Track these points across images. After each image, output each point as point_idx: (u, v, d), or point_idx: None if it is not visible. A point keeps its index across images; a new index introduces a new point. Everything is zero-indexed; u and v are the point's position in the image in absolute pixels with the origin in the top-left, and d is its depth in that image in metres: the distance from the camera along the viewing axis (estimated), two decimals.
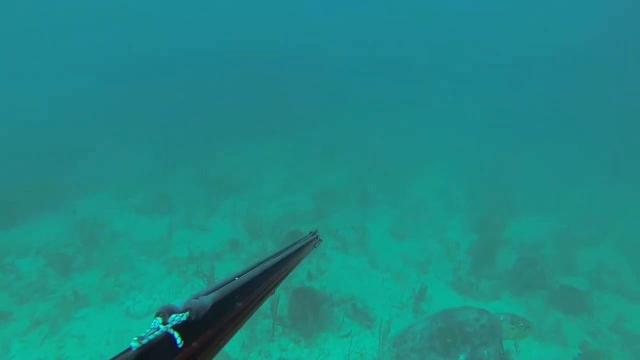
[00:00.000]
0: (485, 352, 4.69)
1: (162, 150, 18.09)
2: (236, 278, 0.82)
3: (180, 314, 0.60)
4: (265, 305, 5.57)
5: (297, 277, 8.46)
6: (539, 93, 35.96)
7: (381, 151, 19.22)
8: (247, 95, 29.01)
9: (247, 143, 20.11)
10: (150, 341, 0.53)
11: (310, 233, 1.56)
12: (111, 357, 0.49)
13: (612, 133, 25.54)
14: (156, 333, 0.55)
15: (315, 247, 1.51)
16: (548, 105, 32.91)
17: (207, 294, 0.70)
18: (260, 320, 6.94)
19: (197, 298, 0.66)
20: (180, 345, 0.57)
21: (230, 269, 8.80)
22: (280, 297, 7.06)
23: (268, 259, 1.03)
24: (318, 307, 6.99)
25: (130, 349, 0.51)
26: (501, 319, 5.09)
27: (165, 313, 0.60)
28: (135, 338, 0.52)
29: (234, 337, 0.76)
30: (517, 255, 9.01)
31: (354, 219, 11.86)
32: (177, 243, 10.25)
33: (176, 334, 0.57)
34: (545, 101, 34.03)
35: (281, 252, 1.13)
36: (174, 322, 0.58)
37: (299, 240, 1.34)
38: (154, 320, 0.58)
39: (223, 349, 0.72)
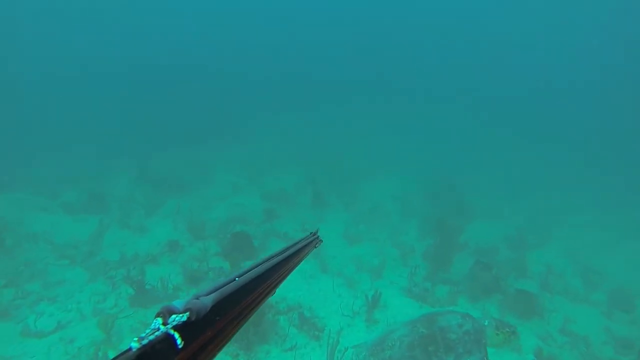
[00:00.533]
0: None
1: (106, 150, 16.71)
2: (236, 279, 0.80)
3: (181, 315, 0.60)
4: None
5: None
6: (491, 100, 37.59)
7: (337, 153, 18.99)
8: (199, 101, 28.06)
9: (197, 145, 19.12)
10: (150, 341, 0.53)
11: (310, 233, 1.52)
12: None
13: (558, 142, 27.08)
14: (156, 333, 0.55)
15: (315, 247, 1.47)
16: (500, 112, 34.44)
17: (207, 294, 0.68)
18: None
19: (197, 298, 0.65)
20: (180, 346, 0.56)
21: (166, 272, 7.84)
22: None
23: (268, 259, 1.00)
24: (260, 316, 6.22)
25: (130, 349, 0.51)
26: (485, 324, 4.72)
27: (166, 313, 0.59)
28: (135, 338, 0.51)
29: None
30: (473, 260, 8.78)
31: (306, 221, 11.24)
32: (108, 245, 9.08)
33: (176, 335, 0.57)
34: (497, 108, 35.63)
35: (281, 252, 1.10)
36: (174, 323, 0.58)
37: (299, 241, 1.31)
38: (155, 321, 0.58)
39: (222, 350, 0.69)
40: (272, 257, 1.04)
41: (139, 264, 8.12)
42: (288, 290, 7.67)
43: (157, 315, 0.59)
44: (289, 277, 1.05)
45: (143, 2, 42.97)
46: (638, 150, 26.69)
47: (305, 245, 1.33)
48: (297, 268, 1.19)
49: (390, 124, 27.44)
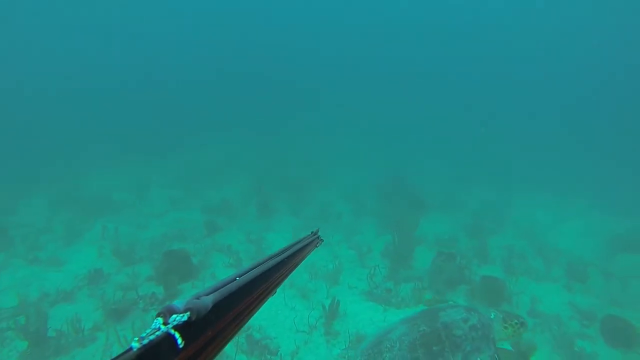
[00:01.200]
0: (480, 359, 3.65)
1: (15, 173, 14.55)
2: (237, 278, 0.80)
3: (181, 314, 0.59)
4: None
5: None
6: (442, 97, 38.67)
7: (283, 159, 18.16)
8: (129, 111, 26.03)
9: (128, 158, 17.36)
10: (151, 341, 0.53)
11: (311, 233, 1.49)
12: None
13: (505, 134, 28.17)
14: (157, 333, 0.55)
15: (317, 246, 1.43)
16: (446, 109, 35.46)
17: (208, 294, 0.68)
18: None
19: (198, 298, 0.65)
20: (181, 346, 0.56)
21: (82, 310, 6.44)
22: None
23: (269, 259, 0.99)
24: None
25: (131, 349, 0.51)
26: (492, 317, 4.05)
27: (166, 313, 0.59)
28: (136, 338, 0.51)
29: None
30: (434, 252, 8.22)
31: (252, 231, 10.19)
32: (4, 289, 7.37)
33: (177, 334, 0.56)
34: (446, 105, 36.68)
35: (282, 252, 1.08)
36: (175, 323, 0.58)
37: (300, 240, 1.27)
38: (155, 321, 0.58)
39: (223, 349, 0.70)
40: (273, 256, 1.01)
41: (45, 306, 6.62)
42: None
43: (158, 315, 0.58)
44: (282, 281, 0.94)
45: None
46: (583, 131, 28.31)
47: (306, 245, 1.28)
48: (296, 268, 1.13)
49: (336, 125, 27.11)
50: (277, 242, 9.71)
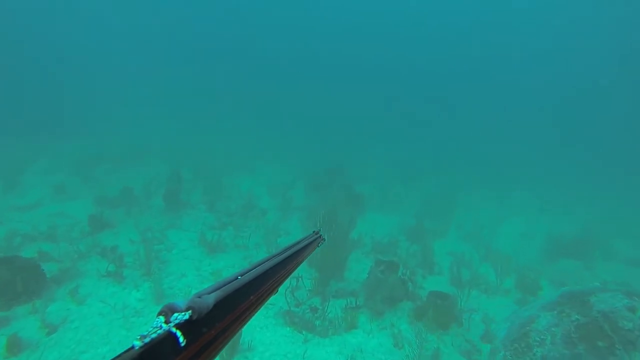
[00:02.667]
0: None
1: None
2: (239, 277, 0.77)
3: (183, 313, 0.57)
4: None
5: (24, 331, 4.42)
6: (379, 91, 38.22)
7: (202, 146, 16.02)
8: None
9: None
10: (152, 340, 0.51)
11: (313, 232, 1.38)
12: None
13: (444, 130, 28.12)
14: (158, 332, 0.53)
15: (318, 245, 1.35)
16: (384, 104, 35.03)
17: (209, 292, 0.65)
18: None
19: (200, 297, 0.62)
20: (183, 344, 0.54)
21: None
22: None
23: (271, 258, 0.95)
24: None
25: (132, 347, 0.49)
26: None
27: (168, 312, 0.57)
28: (138, 336, 0.50)
29: None
30: (372, 259, 6.72)
31: (151, 228, 8.04)
32: None
33: (179, 333, 0.54)
34: (382, 99, 36.25)
35: (284, 251, 1.04)
36: (177, 321, 0.56)
37: (302, 239, 1.23)
38: (157, 319, 0.55)
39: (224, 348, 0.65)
40: (274, 255, 0.98)
41: None
42: (95, 340, 4.58)
43: (159, 314, 0.57)
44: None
45: None
46: (526, 127, 28.90)
47: (309, 244, 1.23)
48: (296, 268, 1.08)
49: (267, 114, 25.35)
50: (181, 243, 7.65)
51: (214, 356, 0.62)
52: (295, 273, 6.33)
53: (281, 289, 4.48)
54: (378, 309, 5.68)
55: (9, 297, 5.07)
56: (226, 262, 7.07)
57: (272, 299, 3.79)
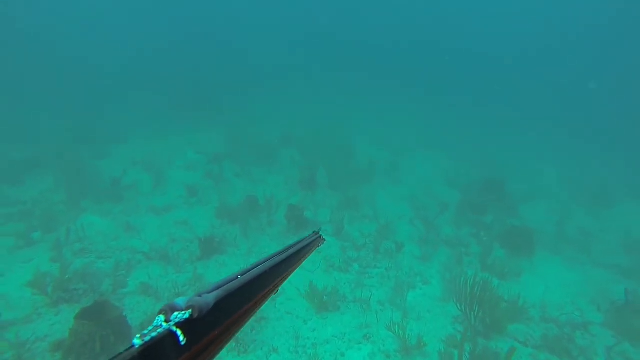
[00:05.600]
0: None
1: None
2: (239, 277, 0.76)
3: (183, 312, 0.57)
4: None
5: None
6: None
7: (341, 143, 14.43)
8: None
9: None
10: (152, 338, 0.51)
11: (313, 232, 1.39)
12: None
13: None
14: (159, 330, 0.53)
15: (319, 246, 1.35)
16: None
17: (210, 292, 0.65)
18: None
19: (200, 296, 0.62)
20: (183, 343, 0.55)
21: None
22: None
23: (271, 257, 0.96)
24: None
25: (133, 346, 0.49)
26: None
27: (168, 311, 0.57)
28: (138, 335, 0.50)
29: None
30: None
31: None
32: None
33: (179, 332, 0.55)
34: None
35: (284, 250, 1.05)
36: (177, 320, 0.56)
37: (302, 240, 1.23)
38: (157, 318, 0.55)
39: (224, 347, 0.67)
40: (275, 255, 0.98)
41: None
42: None
43: (160, 313, 0.57)
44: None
45: None
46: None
47: (309, 244, 1.24)
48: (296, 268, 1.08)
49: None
50: (289, 289, 6.27)
51: (215, 355, 0.62)
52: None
53: None
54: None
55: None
56: (335, 329, 5.37)
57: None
